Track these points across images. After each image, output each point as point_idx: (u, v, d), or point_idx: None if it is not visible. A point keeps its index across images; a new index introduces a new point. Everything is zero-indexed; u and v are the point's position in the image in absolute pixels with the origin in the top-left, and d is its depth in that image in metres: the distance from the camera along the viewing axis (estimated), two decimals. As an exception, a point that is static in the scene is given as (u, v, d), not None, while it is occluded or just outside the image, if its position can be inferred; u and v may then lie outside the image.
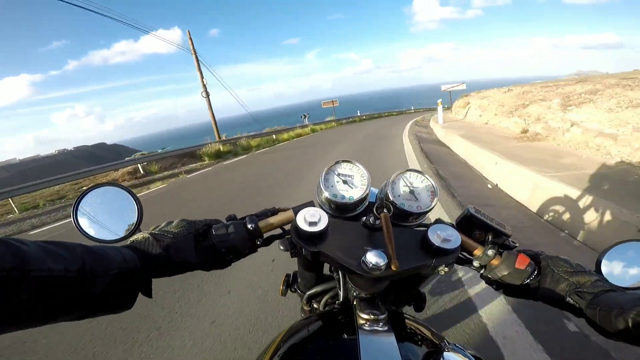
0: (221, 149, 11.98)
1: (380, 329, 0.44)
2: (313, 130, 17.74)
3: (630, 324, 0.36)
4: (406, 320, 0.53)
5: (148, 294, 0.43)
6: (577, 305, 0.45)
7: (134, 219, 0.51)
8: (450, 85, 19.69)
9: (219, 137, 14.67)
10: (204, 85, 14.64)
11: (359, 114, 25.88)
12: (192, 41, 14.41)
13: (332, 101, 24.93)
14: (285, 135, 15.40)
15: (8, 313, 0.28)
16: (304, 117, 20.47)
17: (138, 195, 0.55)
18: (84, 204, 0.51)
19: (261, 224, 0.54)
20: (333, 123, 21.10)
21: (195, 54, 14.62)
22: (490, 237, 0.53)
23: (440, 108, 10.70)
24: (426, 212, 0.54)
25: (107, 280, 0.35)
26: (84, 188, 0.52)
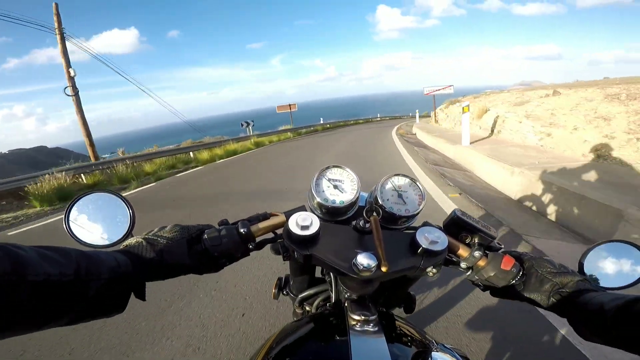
0: (84, 180, 7.25)
1: (371, 329, 0.45)
2: (258, 145, 13.20)
3: (609, 324, 0.37)
4: (396, 322, 0.55)
5: (142, 297, 0.44)
6: (560, 306, 0.46)
7: (127, 225, 0.50)
8: (435, 88, 15.85)
9: (95, 158, 9.13)
10: (70, 78, 9.03)
11: (322, 122, 21.83)
12: (58, 16, 8.87)
13: (289, 105, 19.08)
14: (206, 155, 9.92)
15: (5, 317, 0.28)
16: (247, 126, 15.17)
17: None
18: (76, 211, 0.50)
19: (253, 228, 0.55)
20: (289, 133, 16.66)
21: (62, 33, 8.94)
22: (476, 239, 0.54)
23: (466, 121, 6.17)
24: (414, 215, 0.56)
25: (101, 284, 0.36)
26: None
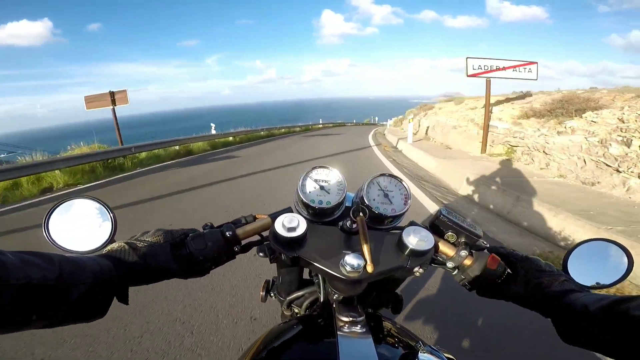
0: None
1: (359, 330, 0.45)
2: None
3: (594, 326, 0.38)
4: (384, 322, 0.55)
5: (125, 301, 0.43)
6: (545, 306, 0.46)
7: (109, 230, 0.48)
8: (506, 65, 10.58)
9: None
10: None
11: (213, 130, 13.06)
12: None
13: (111, 94, 9.52)
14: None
15: None
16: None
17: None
18: (56, 218, 0.47)
19: (239, 231, 0.53)
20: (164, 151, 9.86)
21: None
22: (462, 238, 0.54)
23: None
24: (400, 215, 0.56)
25: (84, 289, 0.36)
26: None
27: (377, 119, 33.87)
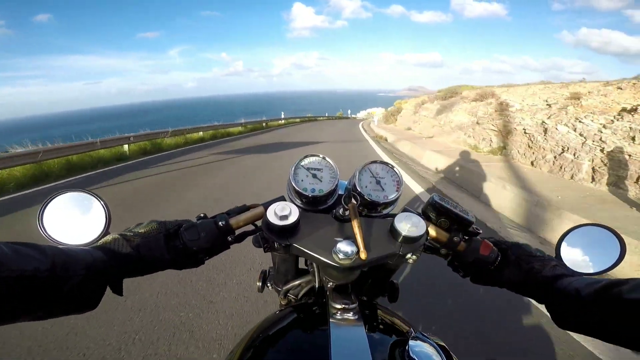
0: None
1: (351, 317, 0.46)
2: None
3: (586, 309, 0.38)
4: (378, 310, 0.55)
5: (119, 292, 0.43)
6: (538, 291, 0.47)
7: (103, 223, 0.48)
8: None
9: None
10: None
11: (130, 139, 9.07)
12: None
13: None
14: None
15: None
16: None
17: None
18: (50, 211, 0.47)
19: (232, 221, 0.54)
20: None
21: None
22: (455, 224, 0.54)
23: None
24: (393, 202, 0.56)
25: (77, 281, 0.35)
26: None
27: (349, 112, 32.67)
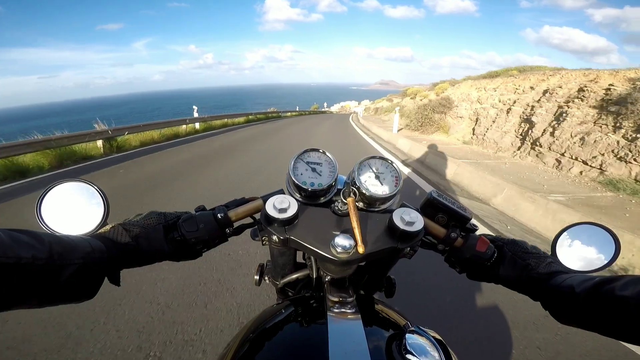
0: None
1: (349, 311, 0.46)
2: None
3: (581, 306, 0.39)
4: (375, 304, 0.56)
5: (116, 282, 0.43)
6: (532, 288, 0.47)
7: (101, 214, 0.48)
8: None
9: None
10: None
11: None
12: None
13: None
14: None
15: None
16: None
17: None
18: (48, 201, 0.47)
19: (230, 213, 0.54)
20: None
21: None
22: (452, 220, 0.55)
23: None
24: (391, 197, 0.55)
25: (74, 269, 0.35)
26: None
27: (325, 104, 31.48)
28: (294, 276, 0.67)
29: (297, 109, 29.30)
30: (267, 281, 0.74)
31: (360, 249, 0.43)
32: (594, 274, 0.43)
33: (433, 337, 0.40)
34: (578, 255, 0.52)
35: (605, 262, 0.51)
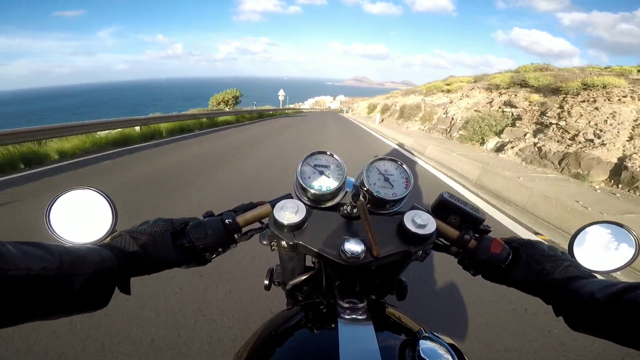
0: None
1: (360, 317, 0.46)
2: None
3: (601, 314, 0.37)
4: (386, 309, 0.55)
5: (127, 291, 0.44)
6: (548, 293, 0.46)
7: (110, 221, 0.49)
8: None
9: None
10: None
11: None
12: None
13: None
14: None
15: None
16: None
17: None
18: (57, 209, 0.48)
19: (239, 218, 0.54)
20: None
21: None
22: (465, 221, 0.54)
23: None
24: (402, 199, 0.55)
25: (85, 280, 0.36)
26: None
27: (287, 99, 28.48)
28: (304, 280, 0.66)
29: (254, 105, 23.67)
30: (276, 285, 0.73)
31: (375, 252, 0.43)
32: (615, 279, 0.42)
33: (448, 343, 0.39)
34: (596, 254, 0.52)
35: (625, 261, 0.50)
